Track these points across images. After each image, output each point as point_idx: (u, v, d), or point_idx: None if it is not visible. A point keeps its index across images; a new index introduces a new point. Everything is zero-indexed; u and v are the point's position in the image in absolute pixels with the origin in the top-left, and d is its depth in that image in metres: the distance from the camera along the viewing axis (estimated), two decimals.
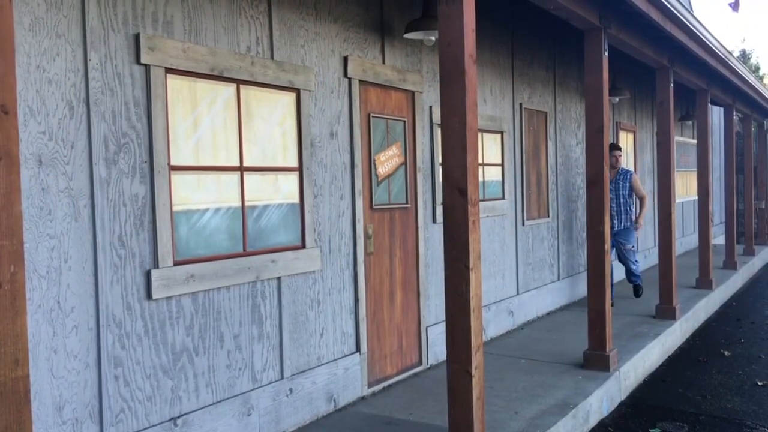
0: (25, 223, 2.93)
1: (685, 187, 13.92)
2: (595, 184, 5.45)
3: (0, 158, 1.59)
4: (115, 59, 3.32)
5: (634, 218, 8.33)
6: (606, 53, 5.47)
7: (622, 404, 5.39)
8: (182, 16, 3.66)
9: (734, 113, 11.84)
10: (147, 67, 3.46)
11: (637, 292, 8.63)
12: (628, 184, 8.15)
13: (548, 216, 7.95)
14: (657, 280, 7.78)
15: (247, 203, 4.05)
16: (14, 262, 1.63)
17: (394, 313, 5.32)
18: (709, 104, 9.69)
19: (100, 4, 3.25)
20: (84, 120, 3.19)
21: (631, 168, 10.62)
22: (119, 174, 3.34)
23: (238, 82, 3.99)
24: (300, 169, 4.42)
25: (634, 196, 8.32)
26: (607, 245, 5.46)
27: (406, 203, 5.43)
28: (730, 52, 8.50)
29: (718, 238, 15.66)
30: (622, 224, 8.18)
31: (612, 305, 7.24)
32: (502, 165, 6.93)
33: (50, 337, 3.05)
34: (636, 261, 8.44)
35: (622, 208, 8.16)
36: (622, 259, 8.38)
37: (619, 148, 8.08)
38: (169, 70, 3.58)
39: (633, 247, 8.35)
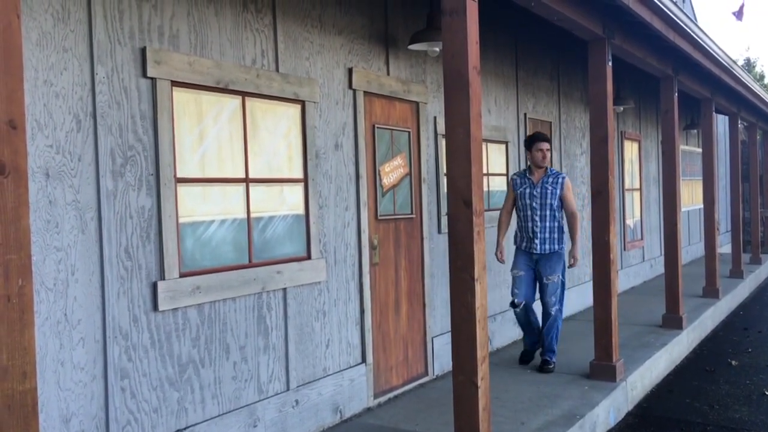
0: (32, 236, 2.95)
1: (690, 196, 13.89)
2: (599, 194, 5.45)
3: (8, 173, 1.60)
4: (122, 73, 3.35)
5: (566, 241, 5.95)
6: (610, 63, 5.48)
7: (629, 415, 5.37)
8: (188, 30, 3.69)
9: (739, 122, 11.83)
10: (153, 80, 3.48)
11: (545, 366, 5.71)
12: (558, 192, 5.70)
13: None
14: (663, 289, 7.73)
15: (252, 215, 4.06)
16: (22, 275, 1.64)
17: (400, 324, 5.31)
18: (714, 113, 9.69)
19: (106, 19, 3.28)
20: (91, 133, 3.21)
21: (564, 170, 8.24)
22: (126, 186, 3.36)
23: (244, 94, 4.01)
24: (305, 181, 4.43)
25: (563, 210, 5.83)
26: (613, 254, 5.45)
27: (411, 214, 5.44)
28: (734, 61, 8.50)
29: (724, 246, 15.61)
30: (547, 247, 5.69)
31: (550, 368, 5.69)
32: (507, 175, 6.94)
33: (57, 350, 3.06)
34: (560, 303, 5.75)
35: (548, 224, 5.68)
36: (542, 297, 5.78)
37: (548, 140, 5.77)
38: (175, 83, 3.60)
39: (560, 279, 5.72)
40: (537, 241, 5.70)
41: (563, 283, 5.79)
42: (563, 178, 5.77)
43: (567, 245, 5.98)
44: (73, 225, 3.13)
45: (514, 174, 5.97)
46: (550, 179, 5.74)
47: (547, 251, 5.72)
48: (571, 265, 5.79)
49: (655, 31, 5.79)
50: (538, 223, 5.70)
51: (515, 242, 5.92)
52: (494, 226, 6.72)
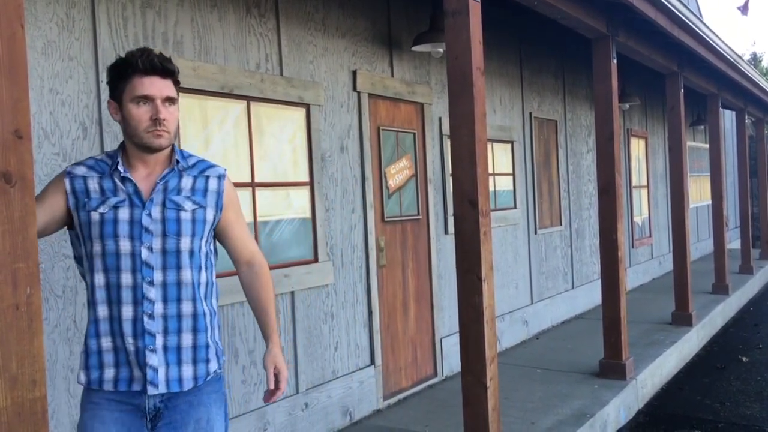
0: (40, 243, 2.96)
1: (698, 192, 13.82)
2: (606, 192, 5.43)
3: (15, 182, 1.60)
4: None
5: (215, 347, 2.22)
6: (614, 61, 5.46)
7: (639, 413, 5.35)
8: (192, 36, 3.70)
9: (746, 117, 11.77)
10: None
11: None
12: (212, 211, 2.20)
13: (561, 224, 7.93)
14: (672, 286, 7.69)
15: (259, 219, 4.07)
16: (30, 284, 1.64)
17: (408, 325, 5.31)
18: (720, 108, 9.64)
19: (111, 26, 3.30)
20: (97, 140, 3.23)
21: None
22: None
23: (248, 99, 4.02)
24: (311, 184, 4.44)
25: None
26: (621, 252, 5.43)
27: (418, 215, 5.43)
28: (740, 56, 8.46)
29: (733, 242, 15.53)
30: (190, 371, 2.11)
31: None
32: (513, 174, 6.93)
33: (67, 357, 3.08)
34: None
35: (184, 307, 2.12)
36: None
37: (170, 73, 2.30)
38: (180, 89, 3.60)
39: None
40: (155, 360, 2.09)
41: None
42: (221, 175, 2.29)
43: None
44: None
45: (74, 165, 2.19)
46: (185, 179, 2.21)
47: (191, 385, 2.15)
48: (266, 397, 2.29)
49: (660, 28, 5.77)
50: (158, 306, 2.10)
51: (84, 373, 2.12)
52: (500, 226, 6.67)
